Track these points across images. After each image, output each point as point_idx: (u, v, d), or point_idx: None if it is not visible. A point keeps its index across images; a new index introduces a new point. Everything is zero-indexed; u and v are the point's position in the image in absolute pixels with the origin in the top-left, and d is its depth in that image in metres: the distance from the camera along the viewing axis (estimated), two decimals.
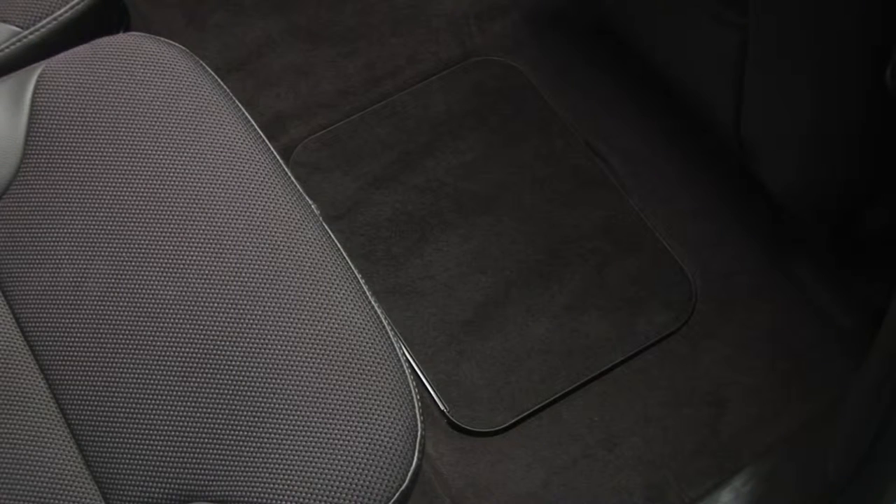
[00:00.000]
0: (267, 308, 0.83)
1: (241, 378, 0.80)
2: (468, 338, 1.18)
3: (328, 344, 0.81)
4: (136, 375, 0.82)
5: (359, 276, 0.85)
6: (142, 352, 0.83)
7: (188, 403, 0.80)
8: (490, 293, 1.20)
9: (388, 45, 1.37)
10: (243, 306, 0.83)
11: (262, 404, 0.79)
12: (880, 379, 0.77)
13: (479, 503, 1.08)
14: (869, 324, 1.14)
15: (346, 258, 0.86)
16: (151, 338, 0.83)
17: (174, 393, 0.81)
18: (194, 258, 0.85)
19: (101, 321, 0.84)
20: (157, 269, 0.85)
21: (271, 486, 0.77)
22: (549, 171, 1.28)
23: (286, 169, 0.90)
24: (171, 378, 0.81)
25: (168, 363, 0.82)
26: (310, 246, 0.85)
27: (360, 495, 0.76)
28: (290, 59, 1.36)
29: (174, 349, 0.82)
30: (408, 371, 0.81)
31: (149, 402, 0.81)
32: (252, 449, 0.78)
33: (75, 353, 0.84)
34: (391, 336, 0.83)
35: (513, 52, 1.36)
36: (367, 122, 1.32)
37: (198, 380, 0.81)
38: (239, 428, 0.79)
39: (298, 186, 0.89)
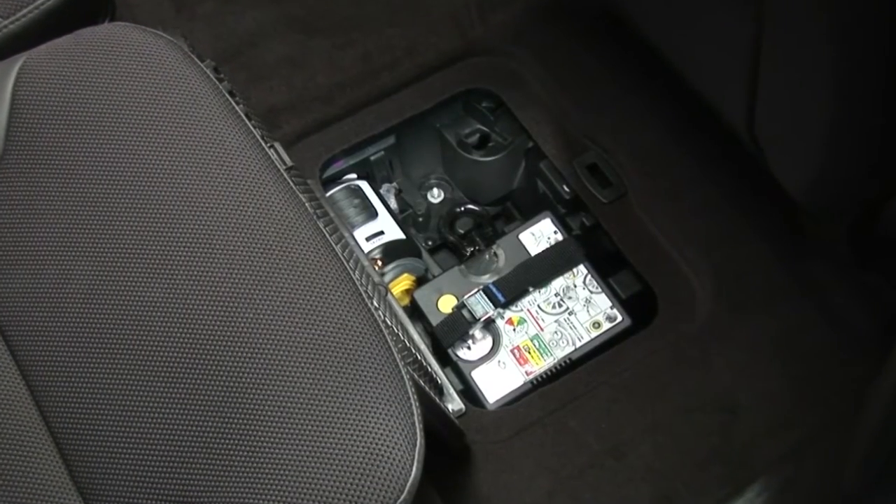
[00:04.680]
0: (259, 311, 0.82)
1: (231, 384, 0.80)
2: None
3: (323, 348, 0.81)
4: (122, 381, 0.82)
5: (355, 277, 0.85)
6: (128, 356, 0.82)
7: (176, 411, 0.80)
8: None
9: (385, 35, 1.36)
10: (234, 309, 0.83)
11: (254, 411, 0.79)
12: None
13: None
14: (888, 326, 1.14)
15: (342, 258, 0.86)
16: (138, 342, 0.83)
17: (162, 399, 0.81)
18: (183, 258, 0.85)
19: (85, 324, 0.84)
20: (144, 269, 0.85)
21: (264, 497, 0.77)
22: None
23: (279, 165, 0.90)
24: (159, 384, 0.81)
25: (155, 368, 0.82)
26: (303, 246, 0.85)
27: None
28: (283, 50, 1.36)
29: (162, 353, 0.82)
30: (406, 377, 0.81)
31: (135, 409, 0.81)
32: (243, 458, 0.78)
33: (58, 358, 0.84)
34: (389, 340, 0.82)
35: (516, 43, 1.36)
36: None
37: (186, 386, 0.81)
38: (230, 436, 0.79)
39: (291, 183, 0.89)
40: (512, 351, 1.18)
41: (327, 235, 0.87)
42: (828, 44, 0.88)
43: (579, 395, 1.14)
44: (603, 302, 1.20)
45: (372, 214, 1.28)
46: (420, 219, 1.35)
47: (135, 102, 0.91)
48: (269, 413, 0.79)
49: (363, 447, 0.78)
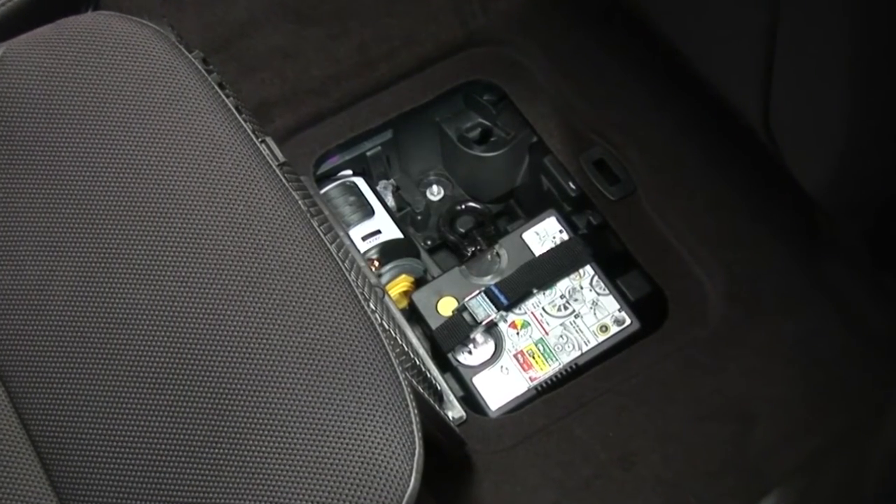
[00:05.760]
0: (250, 313, 0.82)
1: (221, 390, 0.80)
2: None
3: (317, 353, 0.81)
4: (106, 387, 0.82)
5: (351, 279, 0.85)
6: (112, 361, 0.82)
7: (163, 418, 0.80)
8: None
9: (382, 25, 1.36)
10: (224, 312, 0.82)
11: (245, 419, 0.79)
12: None
13: None
14: None
15: (337, 259, 0.86)
16: (123, 346, 0.83)
17: (147, 406, 0.81)
18: (170, 259, 0.85)
19: (67, 328, 0.84)
20: (130, 270, 0.85)
21: None
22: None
23: (271, 161, 0.90)
24: (145, 391, 0.81)
25: (141, 374, 0.82)
26: (297, 245, 0.85)
27: None
28: (275, 40, 1.36)
29: (148, 359, 0.82)
30: (404, 383, 0.81)
31: (120, 416, 0.81)
32: (233, 469, 0.78)
33: (40, 362, 0.84)
34: (386, 344, 0.82)
35: (519, 33, 1.36)
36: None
37: (174, 392, 0.81)
38: (219, 445, 0.79)
39: (284, 180, 0.89)
40: (515, 356, 1.18)
41: (321, 235, 0.87)
42: (846, 33, 0.88)
43: (586, 403, 1.14)
44: (611, 304, 1.20)
45: (368, 213, 1.28)
46: (419, 217, 1.35)
47: (119, 95, 0.91)
48: (260, 421, 0.79)
49: (359, 457, 0.78)
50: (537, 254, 1.23)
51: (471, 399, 1.17)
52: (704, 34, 1.10)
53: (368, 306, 0.84)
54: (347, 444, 0.78)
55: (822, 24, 0.90)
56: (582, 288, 1.21)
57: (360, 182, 1.30)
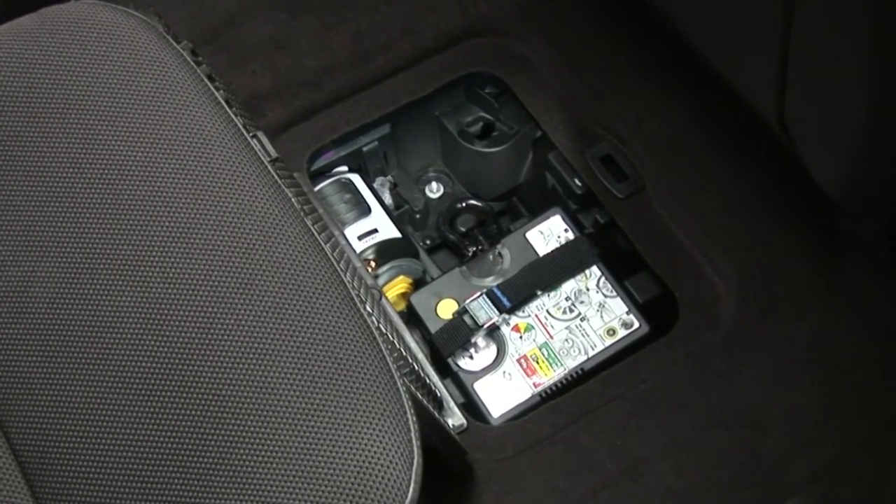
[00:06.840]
0: (241, 316, 0.82)
1: (211, 397, 0.80)
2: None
3: (311, 357, 0.81)
4: (91, 394, 0.82)
5: (346, 280, 0.85)
6: (97, 367, 0.82)
7: (150, 426, 0.80)
8: None
9: (379, 14, 1.36)
10: (214, 314, 0.82)
11: (236, 427, 0.79)
12: None
13: None
14: None
15: (332, 259, 0.86)
16: (108, 351, 0.83)
17: (134, 414, 0.81)
18: (157, 259, 0.85)
19: (49, 332, 0.84)
20: (115, 271, 0.85)
21: None
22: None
23: (262, 157, 0.90)
24: (131, 397, 0.81)
25: (127, 379, 0.82)
26: (290, 245, 0.85)
27: None
28: (267, 30, 1.36)
29: (134, 363, 0.82)
30: (402, 389, 0.81)
31: (105, 425, 0.81)
32: (224, 479, 0.78)
33: (20, 369, 0.84)
34: (383, 349, 0.82)
35: (523, 23, 1.36)
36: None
37: (161, 399, 0.81)
38: (209, 454, 0.79)
39: (276, 176, 0.89)
40: (518, 360, 1.18)
41: (315, 234, 0.87)
42: (864, 22, 0.88)
43: (592, 409, 1.14)
44: (618, 307, 1.20)
45: (364, 211, 1.28)
46: (417, 216, 1.35)
47: (104, 88, 0.91)
48: (251, 428, 0.79)
49: (355, 466, 0.78)
50: (541, 254, 1.23)
51: (472, 406, 1.17)
52: (716, 24, 1.10)
53: (365, 309, 0.84)
54: (343, 452, 0.78)
55: (839, 12, 0.90)
56: (588, 289, 1.21)
57: (356, 179, 1.30)
